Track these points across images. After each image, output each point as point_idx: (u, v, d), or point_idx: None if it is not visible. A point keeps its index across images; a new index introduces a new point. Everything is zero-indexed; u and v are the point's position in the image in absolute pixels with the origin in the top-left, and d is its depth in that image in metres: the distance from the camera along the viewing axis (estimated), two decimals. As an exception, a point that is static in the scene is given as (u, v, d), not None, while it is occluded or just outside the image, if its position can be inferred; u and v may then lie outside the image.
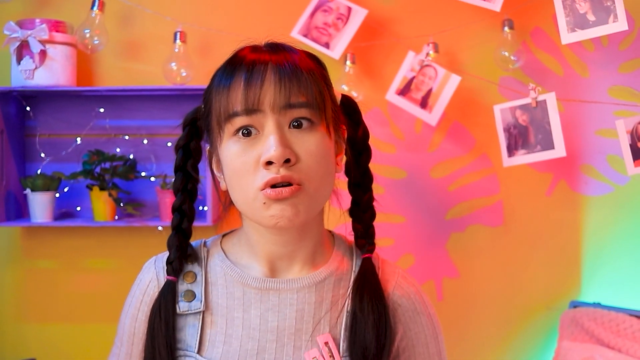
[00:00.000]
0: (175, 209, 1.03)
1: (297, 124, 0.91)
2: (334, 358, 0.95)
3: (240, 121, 0.91)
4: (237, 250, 1.02)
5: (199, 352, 0.96)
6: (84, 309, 2.26)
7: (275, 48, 0.97)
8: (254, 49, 0.97)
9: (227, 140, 0.93)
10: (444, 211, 2.24)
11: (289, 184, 0.89)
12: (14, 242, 2.26)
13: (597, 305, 2.09)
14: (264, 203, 0.89)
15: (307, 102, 0.91)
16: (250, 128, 0.91)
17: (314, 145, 0.91)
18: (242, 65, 0.93)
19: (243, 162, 0.90)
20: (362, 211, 1.04)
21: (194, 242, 1.04)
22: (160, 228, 2.20)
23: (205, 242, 1.05)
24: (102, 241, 2.25)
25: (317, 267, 1.00)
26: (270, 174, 0.88)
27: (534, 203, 2.22)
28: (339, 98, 1.05)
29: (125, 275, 2.25)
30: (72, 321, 2.26)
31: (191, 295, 0.99)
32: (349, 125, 1.05)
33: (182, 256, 1.01)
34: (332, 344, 0.95)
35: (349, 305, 0.98)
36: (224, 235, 1.06)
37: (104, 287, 2.25)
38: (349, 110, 1.06)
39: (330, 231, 1.07)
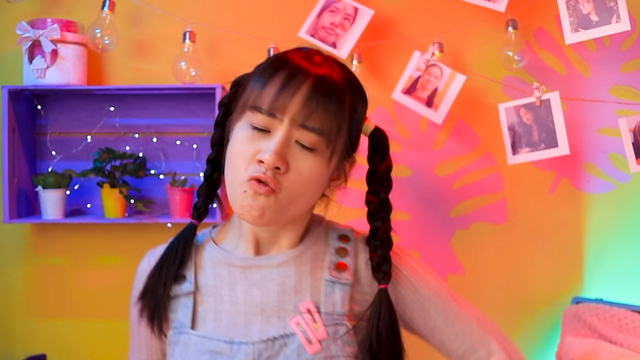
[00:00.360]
0: (209, 161, 1.10)
1: (301, 145, 0.97)
2: (316, 322, 1.01)
3: (259, 118, 0.98)
4: (226, 235, 1.11)
5: (192, 328, 1.05)
6: (94, 305, 2.29)
7: (322, 63, 1.01)
8: (305, 56, 1.02)
9: (241, 123, 1.01)
10: (449, 209, 2.28)
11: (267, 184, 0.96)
12: (24, 238, 2.29)
13: (599, 301, 2.12)
14: (245, 191, 0.97)
15: (321, 130, 0.97)
16: (264, 128, 0.98)
17: (307, 167, 0.98)
18: (286, 68, 0.98)
19: (244, 149, 0.98)
20: (380, 241, 1.09)
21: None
22: (169, 225, 2.23)
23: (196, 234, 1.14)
24: (112, 238, 2.28)
25: (296, 246, 1.08)
26: (259, 171, 0.96)
27: (537, 201, 2.26)
28: (371, 128, 1.09)
29: (134, 272, 2.29)
30: (82, 317, 2.29)
31: (182, 279, 1.07)
32: (373, 157, 1.10)
33: (208, 203, 1.12)
34: (313, 309, 1.02)
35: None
36: (213, 227, 1.16)
37: (113, 283, 2.28)
38: (377, 143, 1.10)
39: (317, 215, 1.14)
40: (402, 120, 2.26)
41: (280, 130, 0.96)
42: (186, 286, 1.07)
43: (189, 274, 1.08)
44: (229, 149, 1.02)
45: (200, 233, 1.14)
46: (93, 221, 2.14)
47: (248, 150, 0.97)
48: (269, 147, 0.96)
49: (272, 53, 2.14)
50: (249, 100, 1.00)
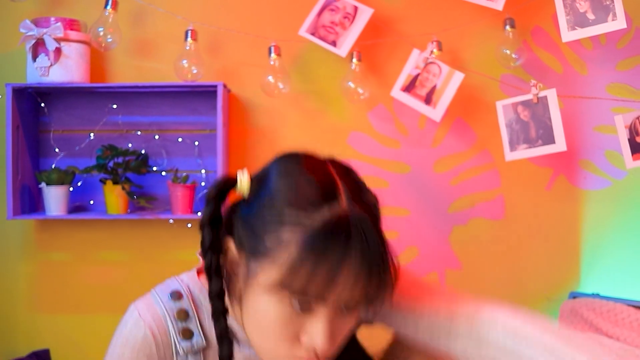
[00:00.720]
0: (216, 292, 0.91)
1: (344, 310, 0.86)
2: None
3: (303, 301, 0.83)
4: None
5: None
6: (97, 300, 2.31)
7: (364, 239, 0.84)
8: (347, 235, 0.82)
9: (267, 287, 0.84)
10: (447, 205, 2.31)
11: None
12: (28, 234, 2.32)
13: (596, 295, 2.15)
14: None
15: (366, 299, 0.85)
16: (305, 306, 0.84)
17: (349, 329, 0.88)
18: (340, 255, 0.81)
19: (282, 328, 0.85)
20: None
21: (168, 280, 1.00)
22: (171, 221, 2.26)
23: (181, 279, 1.00)
24: (114, 234, 2.31)
25: None
26: (309, 354, 0.85)
27: (534, 197, 2.29)
28: None
29: (137, 268, 2.33)
30: (86, 312, 2.32)
31: (189, 333, 0.94)
32: None
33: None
34: None
35: None
36: (198, 270, 1.01)
37: (116, 279, 2.30)
38: None
39: None
40: (401, 117, 2.29)
41: (323, 312, 0.83)
42: (197, 341, 0.95)
43: (193, 326, 0.96)
44: (256, 320, 0.86)
45: (185, 278, 1.00)
46: (96, 217, 2.17)
47: (289, 329, 0.84)
48: (316, 331, 0.83)
49: (272, 52, 2.17)
50: (288, 279, 0.82)
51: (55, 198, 2.16)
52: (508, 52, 2.16)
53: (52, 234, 2.32)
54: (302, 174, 0.86)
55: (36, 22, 2.11)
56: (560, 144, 2.01)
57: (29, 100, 2.25)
